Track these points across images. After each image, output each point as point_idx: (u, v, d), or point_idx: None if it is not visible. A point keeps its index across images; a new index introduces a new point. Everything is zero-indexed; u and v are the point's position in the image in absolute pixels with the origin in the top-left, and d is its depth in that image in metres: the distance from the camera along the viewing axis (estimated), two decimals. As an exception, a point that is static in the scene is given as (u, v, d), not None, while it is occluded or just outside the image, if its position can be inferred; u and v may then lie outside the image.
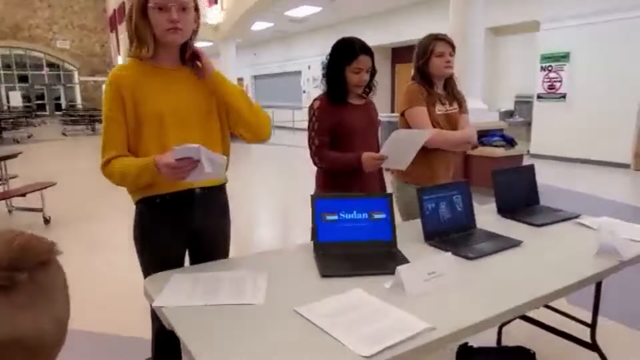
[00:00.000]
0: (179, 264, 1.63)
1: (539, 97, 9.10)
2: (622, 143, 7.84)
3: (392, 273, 1.32)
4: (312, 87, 15.06)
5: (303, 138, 2.56)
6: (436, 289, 1.33)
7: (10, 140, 13.97)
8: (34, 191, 4.90)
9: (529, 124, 9.38)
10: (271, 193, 7.05)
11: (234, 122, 1.66)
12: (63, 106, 27.23)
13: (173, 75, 1.57)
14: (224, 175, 1.63)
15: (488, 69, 9.68)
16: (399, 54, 12.99)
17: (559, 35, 8.56)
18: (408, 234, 1.83)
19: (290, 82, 17.06)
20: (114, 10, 24.06)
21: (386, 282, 1.34)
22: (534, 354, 2.21)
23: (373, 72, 2.17)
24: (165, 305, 1.22)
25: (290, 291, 1.33)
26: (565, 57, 8.55)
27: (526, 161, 8.58)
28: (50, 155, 11.44)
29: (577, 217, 2.06)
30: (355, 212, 1.66)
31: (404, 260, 1.50)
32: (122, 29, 24.42)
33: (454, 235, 1.77)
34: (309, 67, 15.41)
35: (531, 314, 2.26)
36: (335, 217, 1.64)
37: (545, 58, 8.88)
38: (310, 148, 2.16)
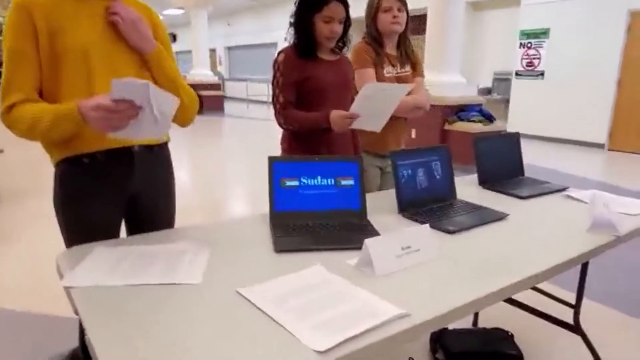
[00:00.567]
0: (113, 236, 1.38)
1: (517, 74, 8.97)
2: (598, 123, 7.80)
3: (359, 248, 1.10)
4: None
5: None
6: (411, 267, 1.12)
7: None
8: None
9: (507, 102, 9.27)
10: (237, 165, 6.75)
11: None
12: None
13: (102, 4, 1.29)
14: (166, 132, 1.35)
15: (467, 45, 9.50)
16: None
17: (540, 11, 8.39)
18: (380, 204, 1.62)
19: (265, 54, 16.53)
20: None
21: (352, 259, 1.13)
22: (511, 335, 2.05)
23: (347, 24, 1.91)
24: (75, 285, 0.98)
25: (238, 269, 1.10)
26: (544, 33, 8.41)
27: (502, 139, 8.51)
28: None
29: (564, 189, 1.89)
30: (319, 177, 1.43)
31: (373, 233, 1.29)
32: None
33: (432, 206, 1.56)
34: (286, 39, 14.90)
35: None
36: (296, 183, 1.41)
37: (525, 34, 8.73)
38: (275, 107, 1.91)
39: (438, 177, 1.63)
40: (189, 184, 5.54)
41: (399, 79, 2.21)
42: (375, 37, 2.17)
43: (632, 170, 6.38)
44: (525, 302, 2.05)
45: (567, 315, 1.91)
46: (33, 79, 1.21)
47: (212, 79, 14.40)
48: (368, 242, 1.07)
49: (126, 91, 1.07)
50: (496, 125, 5.92)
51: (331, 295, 0.95)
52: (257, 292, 0.95)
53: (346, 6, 1.86)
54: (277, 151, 1.99)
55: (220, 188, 5.44)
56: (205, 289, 0.99)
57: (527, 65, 8.80)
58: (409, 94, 2.13)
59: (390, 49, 2.21)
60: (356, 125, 1.77)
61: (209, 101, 13.64)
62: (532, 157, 6.67)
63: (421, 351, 2.06)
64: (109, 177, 1.34)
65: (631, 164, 6.75)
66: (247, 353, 0.77)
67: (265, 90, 15.06)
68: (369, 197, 1.78)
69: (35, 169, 5.75)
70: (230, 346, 0.78)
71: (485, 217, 1.48)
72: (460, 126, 5.83)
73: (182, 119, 1.42)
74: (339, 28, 1.85)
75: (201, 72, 14.31)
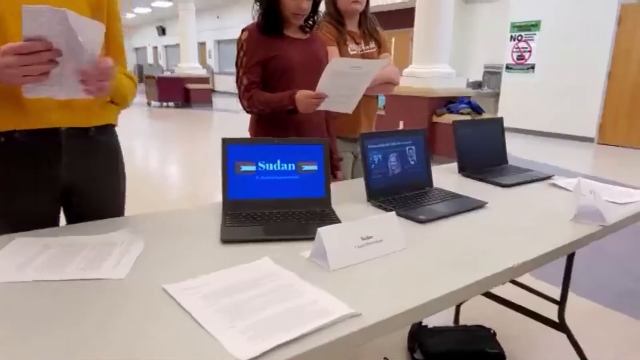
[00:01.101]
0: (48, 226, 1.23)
1: (507, 67, 8.88)
2: (588, 117, 7.73)
3: (314, 238, 0.97)
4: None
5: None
6: (372, 260, 0.99)
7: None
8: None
9: (497, 95, 9.17)
10: (207, 156, 6.52)
11: None
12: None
13: None
14: (108, 91, 1.07)
15: (457, 38, 9.38)
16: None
17: (531, 3, 8.29)
18: (349, 192, 1.49)
19: (255, 48, 16.30)
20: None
21: (306, 251, 0.99)
22: (494, 333, 1.94)
23: (317, 0, 1.78)
24: (-24, 281, 0.84)
25: (174, 262, 0.96)
26: (535, 26, 8.31)
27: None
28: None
29: (549, 177, 1.77)
30: (279, 161, 1.29)
31: (335, 222, 1.15)
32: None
33: (405, 194, 1.44)
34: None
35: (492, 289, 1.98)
36: (253, 168, 1.28)
37: (516, 27, 8.63)
38: (238, 89, 1.77)
39: (413, 163, 1.50)
40: (169, 176, 5.38)
41: (365, 56, 2.09)
42: (334, 16, 2.05)
43: (621, 164, 6.30)
44: (509, 298, 1.93)
45: (552, 311, 1.80)
46: None
47: (200, 72, 14.20)
48: (322, 231, 0.94)
49: (40, 24, 0.87)
50: (485, 118, 5.81)
51: (273, 292, 0.82)
52: (185, 289, 0.82)
53: (316, -20, 1.73)
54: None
55: (201, 179, 5.28)
56: (128, 285, 0.85)
57: (517, 59, 8.71)
58: None
59: (352, 27, 2.10)
60: (325, 106, 1.63)
61: (197, 95, 13.43)
62: (521, 150, 6.59)
63: (398, 350, 1.94)
64: (31, 163, 1.16)
65: (620, 158, 6.67)
66: (156, 362, 0.63)
67: (254, 84, 14.83)
68: (338, 184, 1.66)
69: None
70: (138, 353, 0.65)
71: (462, 205, 1.36)
72: (449, 118, 5.71)
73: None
74: (306, 4, 1.71)
75: (189, 66, 14.10)
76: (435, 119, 5.87)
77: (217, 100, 14.18)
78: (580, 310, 2.29)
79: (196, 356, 0.65)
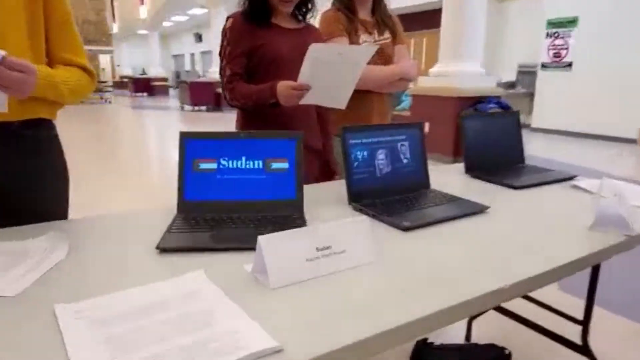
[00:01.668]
0: None
1: (543, 66, 8.46)
2: (630, 117, 7.23)
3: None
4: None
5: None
6: (327, 276, 0.81)
7: None
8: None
9: (532, 96, 8.76)
10: None
11: None
12: (58, 76, 26.54)
13: None
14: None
15: (490, 38, 9.02)
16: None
17: (568, -2, 7.87)
18: (331, 193, 1.31)
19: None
20: (107, -25, 23.27)
21: (251, 263, 0.83)
22: (509, 354, 1.71)
23: (310, -14, 1.62)
24: None
25: (91, 275, 0.81)
26: (573, 22, 7.88)
27: (526, 136, 8.02)
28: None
29: (572, 178, 1.54)
30: (244, 158, 1.13)
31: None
32: (117, -5, 23.67)
33: (394, 197, 1.25)
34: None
35: (509, 304, 1.76)
36: (213, 166, 1.12)
37: (552, 24, 8.21)
38: (222, 81, 1.63)
39: (406, 161, 1.32)
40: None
41: (378, 48, 1.89)
42: (344, 2, 1.86)
43: (668, 167, 5.84)
44: (527, 313, 1.71)
45: (576, 330, 1.56)
46: None
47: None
48: (262, 240, 0.77)
49: None
50: (516, 118, 5.50)
51: (186, 318, 0.66)
52: (78, 311, 0.67)
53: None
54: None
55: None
56: (16, 304, 0.70)
57: (553, 57, 8.29)
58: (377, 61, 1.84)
59: (364, 15, 1.90)
60: (310, 99, 1.47)
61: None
62: (556, 152, 6.22)
63: (398, 370, 1.75)
64: None
65: (667, 160, 6.20)
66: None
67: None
68: (320, 185, 1.49)
69: None
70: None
71: (458, 210, 1.16)
72: (477, 119, 5.44)
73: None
74: None
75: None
76: (462, 119, 5.59)
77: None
78: (609, 331, 2.03)
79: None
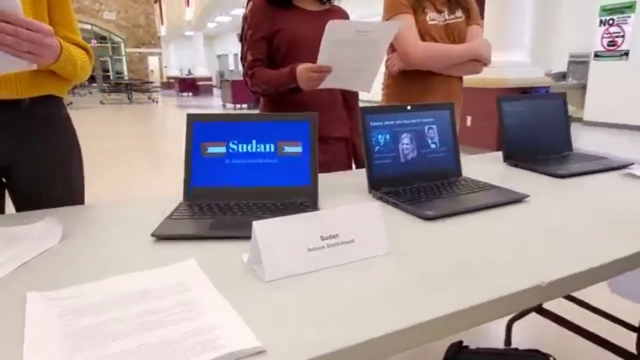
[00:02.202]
0: None
1: (596, 55, 7.96)
2: (696, 107, 6.70)
3: (258, 235, 0.72)
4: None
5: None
6: (333, 268, 0.72)
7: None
8: None
9: (583, 87, 8.27)
10: None
11: None
12: (111, 78, 27.75)
13: None
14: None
15: (538, 27, 8.60)
16: None
17: (624, -19, 7.37)
18: (351, 180, 1.21)
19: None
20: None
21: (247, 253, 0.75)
22: (554, 362, 1.56)
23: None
24: None
25: (81, 262, 0.76)
26: (630, 7, 7.37)
27: (578, 129, 7.57)
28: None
29: (627, 166, 1.37)
30: (254, 142, 1.05)
31: (310, 217, 0.89)
32: (165, -1, 24.36)
33: (419, 184, 1.14)
34: None
35: (553, 306, 1.61)
36: (222, 150, 1.05)
37: (606, 10, 7.71)
38: (243, 67, 1.56)
39: (434, 146, 1.20)
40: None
41: (448, 28, 1.73)
42: None
43: None
44: (571, 317, 1.55)
45: (629, 338, 1.39)
46: None
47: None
48: (257, 226, 0.68)
49: None
50: (566, 110, 5.17)
51: (164, 311, 0.58)
52: (51, 299, 0.61)
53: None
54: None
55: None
56: (-8, 289, 0.65)
57: (608, 45, 7.78)
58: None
59: None
60: (332, 83, 1.37)
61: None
62: (612, 147, 5.83)
63: (430, 375, 1.62)
64: None
65: None
66: None
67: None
68: (343, 173, 1.39)
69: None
70: None
71: (491, 199, 1.03)
72: (523, 111, 5.16)
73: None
74: None
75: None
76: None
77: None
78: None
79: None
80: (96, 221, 0.96)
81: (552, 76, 7.59)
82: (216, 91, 21.16)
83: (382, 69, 1.85)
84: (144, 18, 29.23)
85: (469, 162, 1.41)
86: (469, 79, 1.89)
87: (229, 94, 13.89)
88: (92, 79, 27.27)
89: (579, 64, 8.61)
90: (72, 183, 1.20)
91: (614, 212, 1.00)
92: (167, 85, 25.24)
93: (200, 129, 1.06)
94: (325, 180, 1.23)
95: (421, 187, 1.12)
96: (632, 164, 1.38)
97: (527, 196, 1.06)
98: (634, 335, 1.38)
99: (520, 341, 1.76)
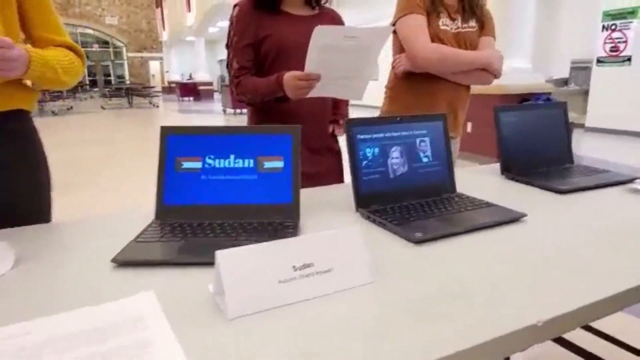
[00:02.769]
0: None
1: (598, 61, 7.87)
2: (700, 114, 6.61)
3: (225, 264, 0.65)
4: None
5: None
6: (307, 302, 0.65)
7: (49, 112, 14.13)
8: None
9: (585, 93, 8.19)
10: None
11: None
12: (112, 82, 27.80)
13: None
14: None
15: (540, 33, 8.53)
16: None
17: (627, -14, 7.31)
18: (338, 197, 1.14)
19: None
20: (157, -16, 24.10)
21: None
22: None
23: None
24: None
25: (29, 294, 0.69)
26: (633, 12, 7.29)
27: (580, 136, 7.49)
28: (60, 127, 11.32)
29: (632, 180, 1.29)
30: (232, 156, 0.99)
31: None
32: (167, 4, 24.42)
33: (410, 201, 1.06)
34: None
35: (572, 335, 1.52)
36: (198, 165, 0.98)
37: (609, 15, 7.64)
38: (229, 75, 1.50)
39: (427, 160, 1.13)
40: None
41: (459, 36, 1.67)
42: None
43: None
44: (588, 347, 1.46)
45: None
46: None
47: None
48: (220, 256, 0.61)
49: None
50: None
51: (110, 355, 0.51)
52: (-23, 343, 0.54)
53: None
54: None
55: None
56: None
57: (610, 51, 7.70)
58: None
59: None
60: (320, 91, 1.31)
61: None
62: (615, 154, 5.74)
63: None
64: None
65: None
66: None
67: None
68: (331, 188, 1.32)
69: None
70: None
71: (486, 219, 0.96)
72: (524, 118, 5.09)
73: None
74: None
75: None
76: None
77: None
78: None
79: None
80: (57, 243, 0.89)
81: (553, 82, 7.52)
82: (217, 96, 21.14)
83: (387, 70, 1.80)
84: (146, 23, 29.30)
85: (465, 175, 1.34)
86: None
87: (229, 99, 13.86)
88: (93, 83, 27.33)
89: (581, 69, 8.53)
90: (37, 200, 1.13)
91: (619, 233, 0.92)
92: (168, 89, 25.25)
93: (175, 143, 0.99)
94: (312, 195, 1.16)
95: (411, 205, 1.04)
96: (637, 178, 1.30)
97: (525, 215, 0.98)
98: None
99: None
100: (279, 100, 1.37)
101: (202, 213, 0.95)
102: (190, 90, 21.08)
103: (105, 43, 28.56)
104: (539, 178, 1.29)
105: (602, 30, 7.76)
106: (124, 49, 29.21)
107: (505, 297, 0.66)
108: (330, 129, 1.61)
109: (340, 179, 1.63)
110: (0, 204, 1.04)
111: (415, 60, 1.61)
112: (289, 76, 1.30)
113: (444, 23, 1.64)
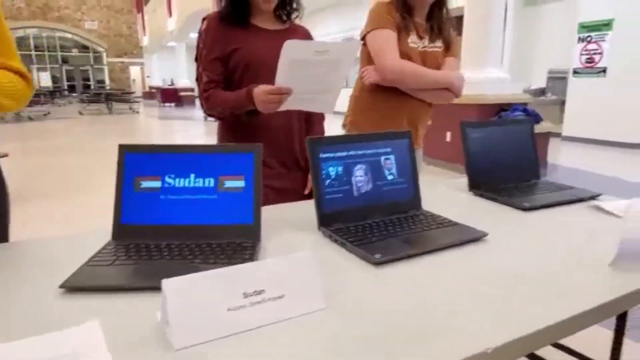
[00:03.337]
0: None
1: (575, 72, 8.07)
2: (671, 124, 6.80)
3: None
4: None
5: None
6: (257, 330, 0.63)
7: (26, 117, 13.85)
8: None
9: (563, 103, 8.37)
10: None
11: None
12: (92, 87, 27.43)
13: None
14: None
15: (517, 44, 8.72)
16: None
17: (601, 0, 7.50)
18: (307, 215, 1.13)
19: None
20: (138, -11, 23.92)
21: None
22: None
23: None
24: None
25: (-28, 320, 0.66)
26: (607, 25, 7.49)
27: (557, 145, 7.63)
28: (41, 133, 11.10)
29: (594, 197, 1.31)
30: (192, 176, 0.97)
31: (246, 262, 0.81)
32: (148, 9, 24.22)
33: (374, 220, 1.06)
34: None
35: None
36: (157, 184, 0.96)
37: (585, 27, 7.84)
38: (198, 89, 1.49)
39: (391, 178, 1.13)
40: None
41: (425, 55, 1.72)
42: (405, 3, 1.67)
43: None
44: None
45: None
46: None
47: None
48: (166, 284, 0.60)
49: None
50: (543, 127, 5.20)
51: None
52: None
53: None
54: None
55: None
56: None
57: (586, 62, 7.90)
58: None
59: (420, 18, 1.72)
60: (291, 104, 1.30)
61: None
62: (589, 163, 5.86)
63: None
64: None
65: None
66: None
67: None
68: (296, 205, 1.31)
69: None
70: None
71: (448, 239, 0.96)
72: (501, 128, 5.15)
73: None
74: None
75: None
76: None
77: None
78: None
79: None
80: (5, 266, 0.86)
81: (531, 92, 7.65)
82: (198, 102, 20.97)
83: (354, 78, 1.84)
84: (126, 28, 29.02)
85: (432, 192, 1.35)
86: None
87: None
88: (72, 88, 26.90)
89: (558, 80, 8.72)
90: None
91: (578, 253, 0.93)
92: (149, 95, 25.02)
93: (133, 161, 0.97)
94: (276, 213, 1.15)
95: (375, 223, 1.04)
96: (600, 195, 1.32)
97: (486, 234, 0.99)
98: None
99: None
100: (250, 114, 1.36)
101: (161, 234, 0.93)
102: (171, 95, 20.92)
103: (85, 48, 28.20)
104: (504, 194, 1.30)
105: (578, 42, 7.95)
106: (104, 54, 28.87)
107: (459, 323, 0.66)
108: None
109: (309, 195, 1.63)
110: None
111: (383, 73, 1.65)
112: (259, 90, 1.29)
113: (413, 41, 1.69)
